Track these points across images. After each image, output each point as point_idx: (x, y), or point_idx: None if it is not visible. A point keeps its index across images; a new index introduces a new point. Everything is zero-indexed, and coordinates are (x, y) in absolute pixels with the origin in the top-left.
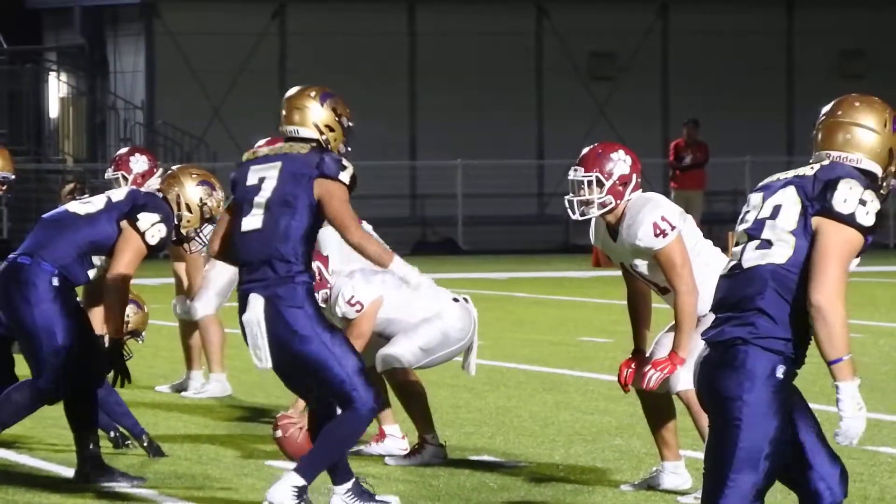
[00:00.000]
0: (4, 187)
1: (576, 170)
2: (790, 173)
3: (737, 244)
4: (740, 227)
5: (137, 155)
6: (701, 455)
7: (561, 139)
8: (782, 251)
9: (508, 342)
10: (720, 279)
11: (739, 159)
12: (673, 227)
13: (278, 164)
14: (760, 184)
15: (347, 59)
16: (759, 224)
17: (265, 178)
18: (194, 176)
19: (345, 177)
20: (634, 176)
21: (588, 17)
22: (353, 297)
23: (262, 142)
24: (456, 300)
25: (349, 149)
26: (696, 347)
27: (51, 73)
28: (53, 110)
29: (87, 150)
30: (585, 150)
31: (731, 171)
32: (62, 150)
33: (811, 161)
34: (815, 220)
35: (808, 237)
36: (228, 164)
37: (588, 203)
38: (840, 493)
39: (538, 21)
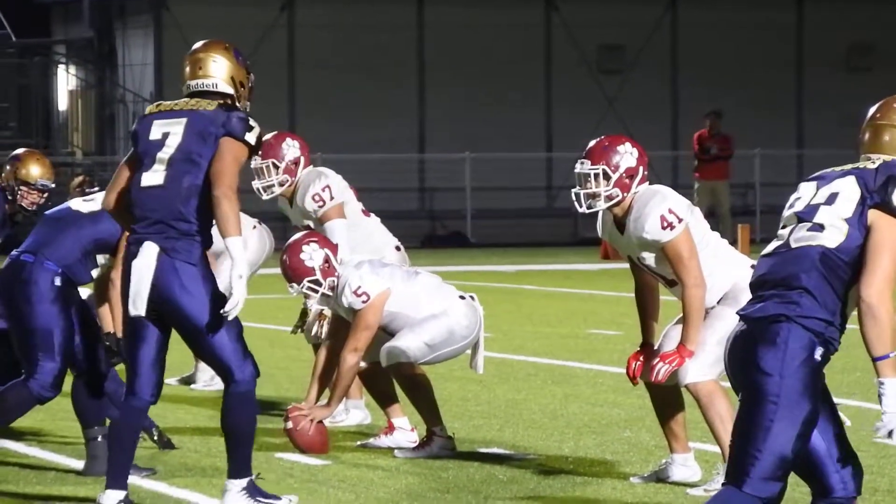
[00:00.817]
0: (45, 195)
1: (582, 163)
2: (847, 166)
3: (783, 227)
4: (788, 212)
5: None
6: (710, 448)
7: (570, 132)
8: (834, 236)
9: (517, 335)
10: (761, 258)
11: (749, 152)
12: (680, 220)
13: (184, 119)
14: (813, 175)
15: (356, 53)
16: (813, 209)
17: (169, 133)
18: None
19: (251, 137)
20: (641, 168)
21: (597, 11)
22: (359, 287)
23: (269, 136)
24: (462, 298)
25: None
26: (704, 339)
27: (59, 66)
28: (62, 103)
29: (96, 142)
30: (592, 143)
31: (740, 165)
32: (71, 142)
33: (859, 163)
34: (872, 214)
35: (861, 228)
36: None
37: (595, 196)
38: (853, 489)
39: (547, 14)
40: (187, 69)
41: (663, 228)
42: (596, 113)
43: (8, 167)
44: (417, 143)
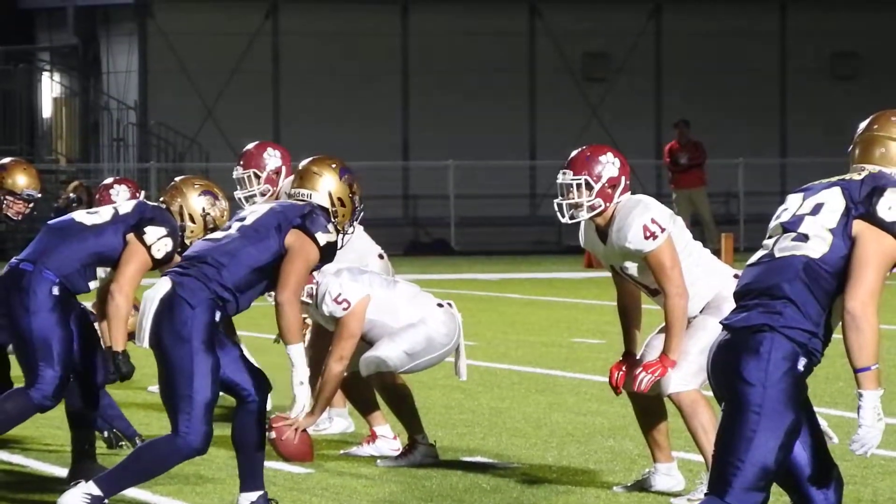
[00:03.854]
0: (31, 205)
1: (564, 173)
2: (833, 178)
3: (769, 237)
4: (774, 223)
5: (116, 186)
6: (693, 457)
7: (553, 140)
8: (818, 246)
9: (501, 343)
10: (746, 268)
11: (732, 161)
12: (663, 230)
13: (273, 203)
14: (801, 186)
15: (340, 60)
16: (798, 219)
17: (255, 211)
18: (197, 186)
19: (321, 238)
20: (623, 178)
21: (581, 18)
22: (340, 294)
23: (251, 146)
24: (440, 305)
25: (353, 229)
26: (687, 349)
27: (44, 73)
28: (46, 110)
29: (80, 150)
30: (574, 153)
31: (724, 173)
32: (55, 150)
33: (846, 174)
34: (857, 225)
35: (846, 239)
36: (221, 164)
37: (577, 206)
38: (834, 500)
39: (531, 21)
40: (296, 178)
41: (646, 238)
42: (580, 121)
43: None
44: (401, 150)
